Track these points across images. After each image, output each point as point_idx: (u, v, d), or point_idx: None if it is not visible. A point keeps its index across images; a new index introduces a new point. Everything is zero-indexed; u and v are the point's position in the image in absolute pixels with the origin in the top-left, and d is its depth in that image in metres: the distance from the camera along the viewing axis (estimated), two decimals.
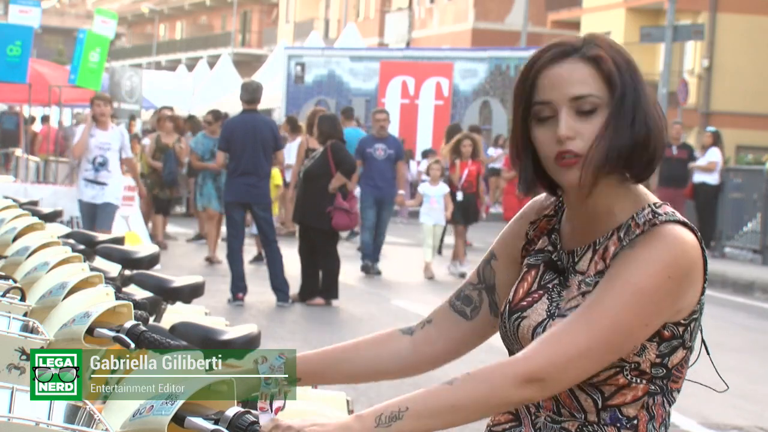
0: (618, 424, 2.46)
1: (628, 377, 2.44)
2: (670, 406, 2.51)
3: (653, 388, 2.46)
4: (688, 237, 2.42)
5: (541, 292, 2.54)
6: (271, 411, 2.48)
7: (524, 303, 2.55)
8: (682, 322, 2.45)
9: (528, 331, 2.50)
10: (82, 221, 13.64)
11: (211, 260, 16.43)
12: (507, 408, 2.42)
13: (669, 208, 2.48)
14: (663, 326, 2.43)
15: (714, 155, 20.45)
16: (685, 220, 2.46)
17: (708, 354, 2.58)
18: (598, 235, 2.51)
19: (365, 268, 16.16)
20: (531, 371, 2.34)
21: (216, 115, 18.09)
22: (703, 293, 2.47)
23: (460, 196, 16.15)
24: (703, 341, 2.55)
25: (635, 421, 2.45)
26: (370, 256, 16.26)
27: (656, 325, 2.40)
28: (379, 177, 16.08)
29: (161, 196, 18.49)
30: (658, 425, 2.49)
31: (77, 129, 14.03)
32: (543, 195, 2.67)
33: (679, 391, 2.51)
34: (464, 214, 16.29)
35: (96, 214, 13.43)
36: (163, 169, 18.18)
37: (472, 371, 2.36)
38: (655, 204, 2.49)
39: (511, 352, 2.56)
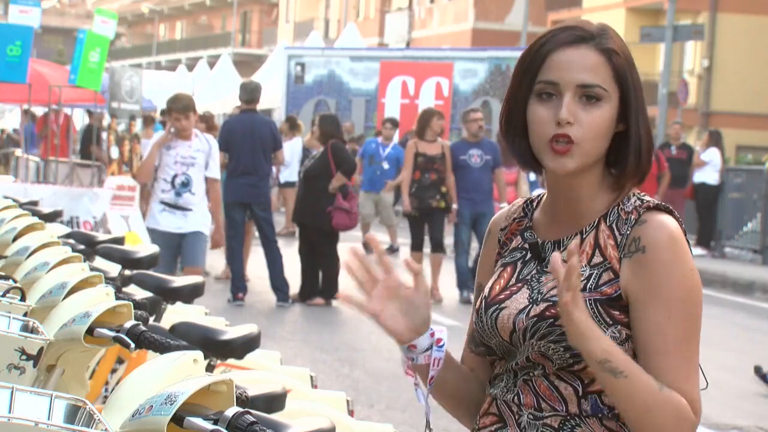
0: (600, 415, 2.46)
1: None
2: None
3: None
4: (675, 225, 2.48)
5: (520, 284, 2.54)
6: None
7: (502, 296, 2.54)
8: None
9: (508, 320, 2.50)
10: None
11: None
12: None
13: (647, 195, 2.55)
14: None
15: (710, 155, 20.46)
16: (665, 204, 2.51)
17: None
18: (583, 223, 2.53)
19: (467, 300, 13.75)
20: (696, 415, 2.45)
21: None
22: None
23: None
24: None
25: (616, 410, 2.46)
26: (468, 285, 13.87)
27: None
28: (475, 188, 13.81)
29: None
30: None
31: (151, 139, 11.05)
32: (505, 209, 2.70)
33: None
34: None
35: (181, 246, 10.46)
36: None
37: (674, 394, 2.42)
38: (637, 192, 2.54)
39: (489, 347, 2.56)
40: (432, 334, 2.51)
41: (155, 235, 10.46)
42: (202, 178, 10.39)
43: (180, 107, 10.18)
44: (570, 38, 2.50)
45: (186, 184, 10.33)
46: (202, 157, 10.37)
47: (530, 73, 2.51)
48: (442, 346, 2.51)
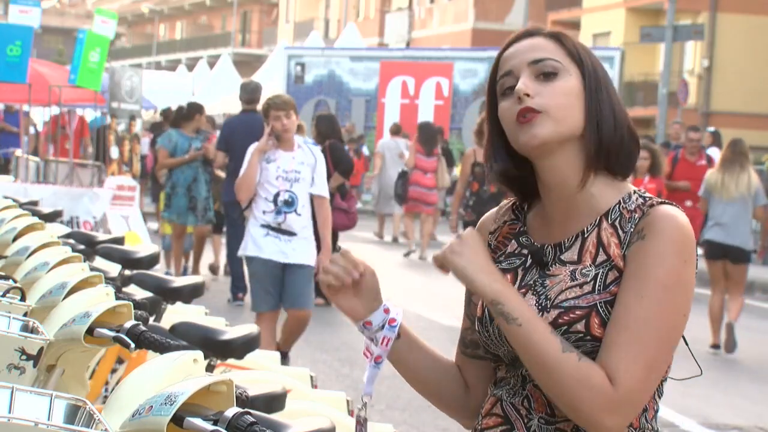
0: None
1: None
2: (659, 397, 2.51)
3: None
4: (683, 218, 2.44)
5: (524, 290, 2.51)
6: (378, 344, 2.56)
7: None
8: None
9: None
10: (255, 286, 9.03)
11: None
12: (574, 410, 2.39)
13: (647, 192, 2.52)
14: None
15: (710, 154, 20.47)
16: (669, 201, 2.48)
17: (686, 343, 2.58)
18: (583, 223, 2.50)
19: None
20: (618, 402, 2.36)
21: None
22: (695, 267, 2.49)
23: None
24: None
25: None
26: None
27: (689, 310, 2.44)
28: None
29: (221, 210, 14.51)
30: (650, 417, 2.48)
31: (248, 151, 9.03)
32: (491, 212, 2.69)
33: (665, 381, 2.51)
34: None
35: (285, 279, 8.90)
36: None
37: (584, 361, 2.36)
38: (638, 190, 2.52)
39: (496, 356, 2.53)
40: (387, 311, 2.54)
41: (256, 264, 8.87)
42: (308, 196, 8.84)
43: (280, 103, 8.76)
44: (519, 36, 2.56)
45: (290, 203, 8.75)
46: (307, 171, 8.83)
47: (492, 81, 2.56)
48: (394, 327, 2.54)
